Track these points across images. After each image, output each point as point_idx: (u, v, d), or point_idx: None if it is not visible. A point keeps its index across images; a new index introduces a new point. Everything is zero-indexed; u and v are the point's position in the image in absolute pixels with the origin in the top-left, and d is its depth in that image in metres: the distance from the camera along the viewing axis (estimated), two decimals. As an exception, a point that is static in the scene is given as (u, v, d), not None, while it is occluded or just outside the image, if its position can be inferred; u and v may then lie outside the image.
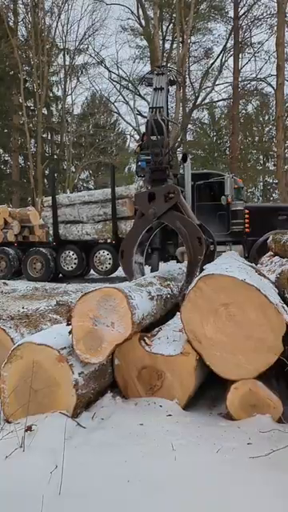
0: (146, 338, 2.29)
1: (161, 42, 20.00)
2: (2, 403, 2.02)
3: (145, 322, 2.12)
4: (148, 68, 18.76)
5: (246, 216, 8.20)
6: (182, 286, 3.06)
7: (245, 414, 2.01)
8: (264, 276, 2.77)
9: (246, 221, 8.19)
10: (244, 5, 19.58)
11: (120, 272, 9.61)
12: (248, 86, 21.17)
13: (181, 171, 8.93)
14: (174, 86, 5.74)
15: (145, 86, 5.12)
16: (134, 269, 3.25)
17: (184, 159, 8.36)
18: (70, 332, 1.91)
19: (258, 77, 20.33)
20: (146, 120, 3.79)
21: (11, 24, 20.41)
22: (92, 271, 9.65)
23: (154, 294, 2.45)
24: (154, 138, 3.52)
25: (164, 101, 4.11)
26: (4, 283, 8.55)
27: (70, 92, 22.83)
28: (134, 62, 22.37)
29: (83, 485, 1.49)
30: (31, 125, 20.95)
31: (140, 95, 19.94)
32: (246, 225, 8.19)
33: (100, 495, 1.43)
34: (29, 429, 1.80)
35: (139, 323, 1.83)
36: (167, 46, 21.25)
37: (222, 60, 20.84)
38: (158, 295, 2.52)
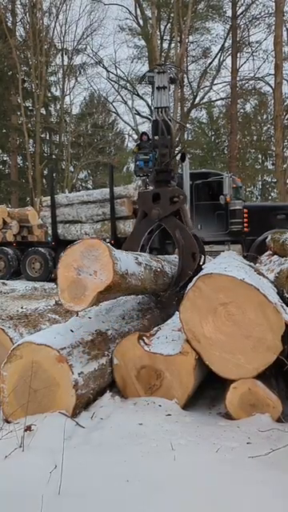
0: (144, 338, 2.30)
1: (159, 42, 19.99)
2: (1, 403, 2.01)
3: (130, 281, 2.04)
4: (146, 68, 18.76)
5: (245, 215, 8.21)
6: (168, 289, 3.10)
7: (244, 413, 2.01)
8: (263, 275, 2.78)
9: (245, 220, 8.20)
10: (242, 4, 19.61)
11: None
12: (246, 85, 21.20)
13: (179, 170, 8.94)
14: (173, 85, 5.74)
15: (145, 84, 5.09)
16: None
17: (182, 158, 8.35)
18: (55, 283, 1.88)
19: (256, 76, 20.35)
20: (152, 120, 3.72)
21: (9, 24, 20.36)
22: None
23: (141, 260, 2.40)
24: (165, 137, 3.48)
25: (168, 100, 4.08)
26: (3, 283, 8.55)
27: (68, 92, 22.80)
28: (132, 62, 22.31)
29: (82, 485, 1.49)
30: (30, 125, 20.91)
31: (138, 95, 19.94)
32: (245, 224, 8.20)
33: (99, 495, 1.43)
34: (28, 429, 1.79)
35: (122, 275, 1.83)
36: (165, 45, 21.27)
37: (220, 59, 20.87)
38: (146, 264, 2.48)
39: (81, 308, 1.71)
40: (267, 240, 5.31)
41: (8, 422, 1.95)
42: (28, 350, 1.98)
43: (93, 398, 2.12)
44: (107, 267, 1.69)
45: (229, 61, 20.41)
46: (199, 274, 2.22)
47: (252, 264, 3.12)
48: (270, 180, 24.56)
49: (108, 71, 21.73)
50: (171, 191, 3.24)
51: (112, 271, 1.69)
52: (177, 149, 18.39)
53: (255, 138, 24.06)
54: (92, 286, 1.68)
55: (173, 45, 20.45)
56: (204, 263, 3.24)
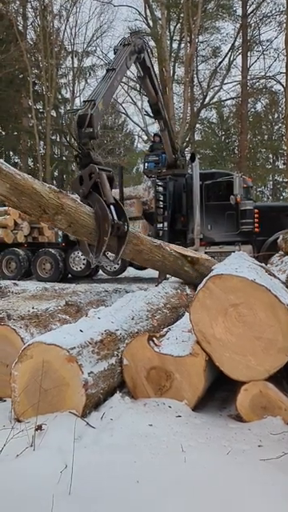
0: (154, 339, 2.29)
1: (168, 42, 19.94)
2: (12, 402, 2.04)
3: None
4: (156, 68, 18.69)
5: (256, 215, 8.11)
6: (91, 259, 3.28)
7: (255, 415, 1.99)
8: (274, 276, 2.74)
9: (256, 220, 8.10)
10: (252, 2, 19.43)
11: (128, 272, 9.61)
12: (257, 84, 20.97)
13: (189, 171, 8.90)
14: (142, 55, 5.85)
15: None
16: (87, 246, 3.45)
17: (192, 159, 8.32)
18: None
19: (267, 75, 20.13)
20: (78, 114, 4.07)
21: (20, 28, 20.63)
22: (100, 271, 9.67)
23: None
24: (89, 130, 3.85)
25: (110, 85, 4.48)
26: (14, 283, 8.63)
27: (78, 94, 22.96)
28: (141, 63, 22.25)
29: (92, 485, 1.49)
30: (40, 127, 21.14)
31: (148, 96, 19.89)
32: (256, 224, 8.10)
33: (109, 496, 1.43)
34: (39, 428, 1.81)
35: None
36: (175, 45, 21.19)
37: (230, 59, 20.70)
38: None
39: None
40: (278, 240, 5.24)
41: (19, 421, 1.96)
42: (38, 350, 2.00)
43: (103, 398, 2.13)
44: None
45: (239, 60, 20.26)
46: (210, 275, 2.20)
47: (263, 265, 3.08)
48: (281, 180, 24.27)
49: (118, 72, 21.75)
50: (88, 169, 3.50)
51: None
52: (186, 149, 18.35)
53: (266, 137, 23.81)
54: None
55: (182, 45, 20.41)
56: (128, 230, 3.38)
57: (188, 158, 9.03)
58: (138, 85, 21.52)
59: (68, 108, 22.81)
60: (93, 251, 3.29)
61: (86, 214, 3.09)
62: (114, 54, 5.37)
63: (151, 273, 8.61)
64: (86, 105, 4.11)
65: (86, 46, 21.90)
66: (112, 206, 3.35)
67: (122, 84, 22.01)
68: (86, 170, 3.51)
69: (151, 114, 7.92)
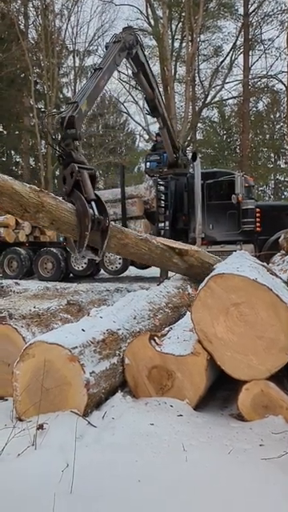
0: (156, 338, 2.29)
1: (170, 41, 19.90)
2: (14, 401, 2.04)
3: None
4: (157, 67, 18.70)
5: (257, 215, 8.09)
6: (76, 254, 3.38)
7: (257, 415, 1.99)
8: (276, 275, 2.74)
9: (257, 219, 8.08)
10: (254, 1, 19.37)
11: (130, 272, 9.62)
12: (258, 83, 20.94)
13: (191, 170, 8.88)
14: (134, 51, 5.85)
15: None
16: (73, 242, 3.55)
17: (194, 158, 8.31)
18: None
19: (269, 74, 20.08)
20: (61, 116, 4.11)
21: (22, 27, 20.62)
22: (102, 271, 9.68)
23: None
24: (72, 131, 3.92)
25: (96, 85, 4.57)
26: (16, 283, 8.64)
27: (79, 93, 22.94)
28: (143, 62, 22.19)
29: (94, 484, 1.49)
30: (41, 126, 21.15)
31: (149, 95, 19.82)
32: (257, 223, 8.08)
33: (110, 495, 1.43)
34: (40, 427, 1.81)
35: None
36: (176, 44, 21.14)
37: (231, 58, 20.64)
38: None
39: None
40: (280, 239, 5.24)
41: (21, 420, 1.97)
42: (40, 349, 2.00)
43: (104, 398, 2.13)
44: None
45: (241, 59, 20.21)
46: (211, 274, 2.20)
47: (265, 264, 3.07)
48: (282, 179, 24.22)
49: (119, 71, 21.74)
50: (69, 168, 3.60)
51: None
52: (188, 148, 18.33)
53: (267, 136, 23.76)
54: None
55: (184, 44, 20.35)
56: (109, 225, 3.47)
57: (189, 157, 9.01)
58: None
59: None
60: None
61: (67, 211, 3.15)
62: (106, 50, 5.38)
63: (153, 272, 8.61)
64: (69, 107, 4.17)
65: (87, 45, 21.88)
66: (93, 203, 3.44)
67: (124, 83, 22.06)
68: (67, 170, 3.61)
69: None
